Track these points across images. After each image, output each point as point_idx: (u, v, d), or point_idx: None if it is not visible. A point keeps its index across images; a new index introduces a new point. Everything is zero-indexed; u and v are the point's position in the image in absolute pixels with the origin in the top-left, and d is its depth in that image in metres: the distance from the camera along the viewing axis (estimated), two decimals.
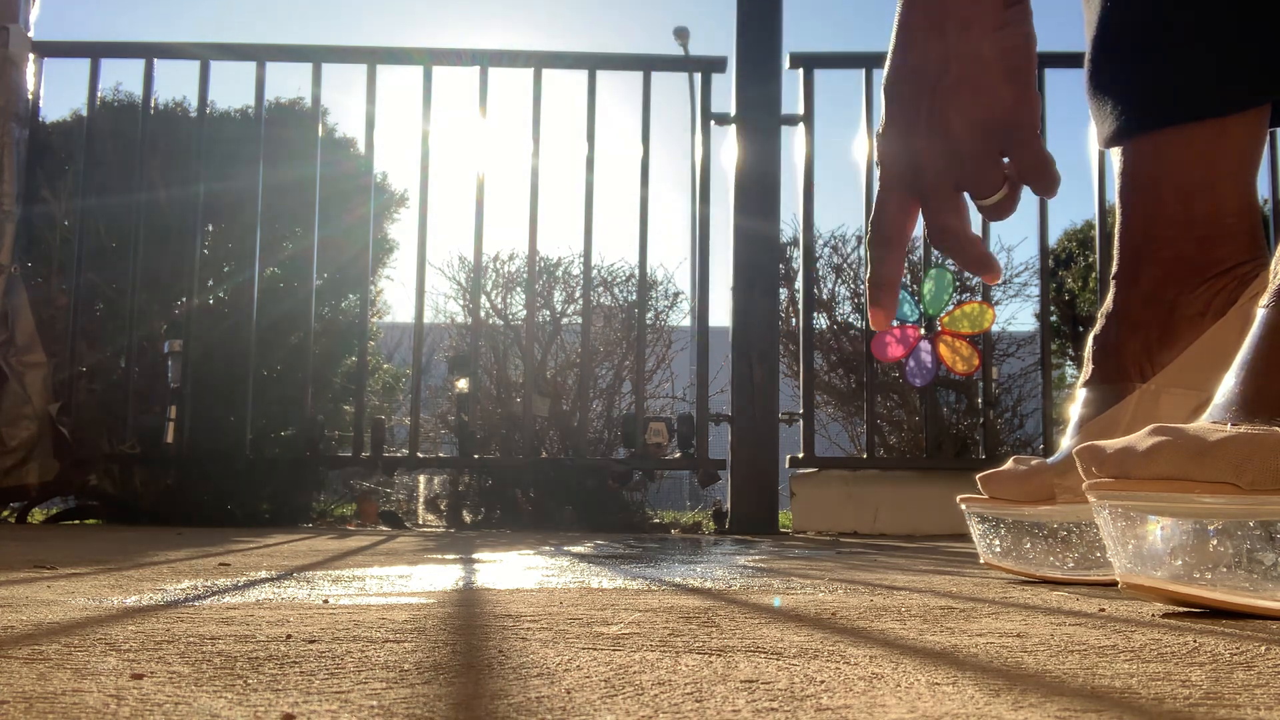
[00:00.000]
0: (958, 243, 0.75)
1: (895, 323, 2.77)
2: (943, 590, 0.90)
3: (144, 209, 2.76)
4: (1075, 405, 1.02)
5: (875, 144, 0.78)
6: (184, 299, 2.79)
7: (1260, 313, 0.72)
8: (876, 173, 0.79)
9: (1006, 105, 0.72)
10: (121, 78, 4.76)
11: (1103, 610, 0.73)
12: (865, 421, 2.84)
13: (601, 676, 0.44)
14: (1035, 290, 3.18)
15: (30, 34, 2.81)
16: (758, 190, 2.79)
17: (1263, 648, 0.54)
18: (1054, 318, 3.77)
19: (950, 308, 2.75)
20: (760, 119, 2.81)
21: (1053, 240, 4.00)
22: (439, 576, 1.03)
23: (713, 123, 2.86)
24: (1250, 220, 0.96)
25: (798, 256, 3.07)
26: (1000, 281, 3.56)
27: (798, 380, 2.91)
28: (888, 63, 0.77)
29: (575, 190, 2.82)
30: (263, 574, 1.03)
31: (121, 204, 2.79)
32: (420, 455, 2.78)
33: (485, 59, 2.85)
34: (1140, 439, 0.67)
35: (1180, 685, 0.43)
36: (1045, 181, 0.73)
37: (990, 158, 0.72)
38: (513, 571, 1.12)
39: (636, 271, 2.88)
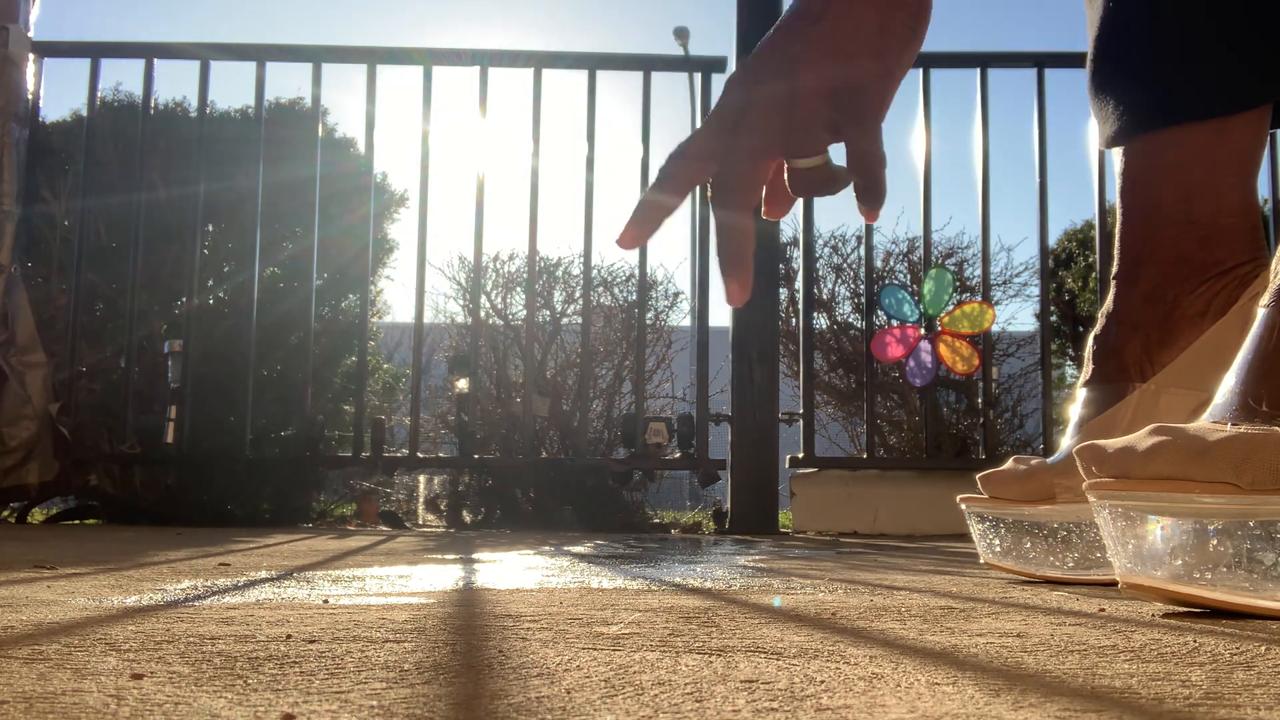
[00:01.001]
0: (740, 205, 0.68)
1: (895, 322, 2.77)
2: (943, 590, 0.90)
3: (144, 209, 2.76)
4: (1075, 405, 1.02)
5: (728, 78, 0.70)
6: (184, 299, 2.79)
7: (1260, 313, 0.72)
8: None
9: (860, 78, 0.66)
10: (121, 78, 4.76)
11: (1103, 610, 0.73)
12: (865, 421, 2.84)
13: (601, 676, 0.44)
14: (1035, 290, 3.18)
15: (30, 34, 2.81)
16: None
17: (1263, 648, 0.54)
18: (1054, 318, 3.77)
19: (950, 308, 2.75)
20: None
21: (1053, 240, 4.00)
22: (439, 576, 1.03)
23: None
24: (1250, 221, 0.96)
25: (798, 256, 3.07)
26: (1000, 282, 3.56)
27: (798, 380, 2.91)
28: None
29: (575, 190, 2.82)
30: (263, 574, 1.03)
31: (121, 204, 2.79)
32: (420, 455, 2.78)
33: (485, 59, 2.85)
34: (1140, 439, 0.67)
35: (1180, 685, 0.43)
36: (868, 175, 0.65)
37: (819, 119, 0.65)
38: (513, 571, 1.12)
39: (636, 271, 2.88)
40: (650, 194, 0.69)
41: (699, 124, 2.90)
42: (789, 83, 0.66)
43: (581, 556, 1.44)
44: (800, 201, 3.20)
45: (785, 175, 0.68)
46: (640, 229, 0.68)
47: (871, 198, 0.66)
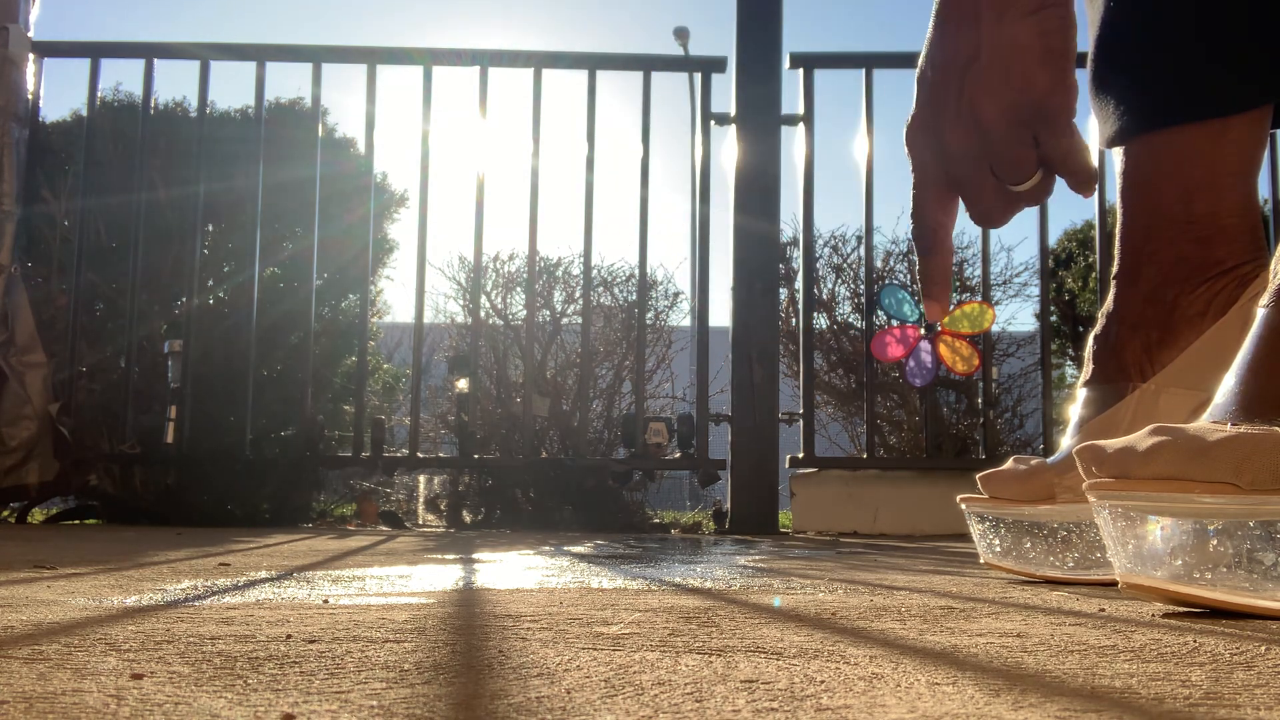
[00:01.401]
0: (998, 221, 0.75)
1: (895, 322, 2.77)
2: (943, 590, 0.90)
3: (144, 209, 2.76)
4: (1075, 405, 1.02)
5: (906, 139, 0.76)
6: (184, 299, 2.79)
7: (1260, 313, 0.72)
8: (910, 171, 0.77)
9: (1039, 90, 0.70)
10: (121, 78, 4.76)
11: (1103, 610, 0.73)
12: (865, 421, 2.84)
13: (601, 676, 0.44)
14: (1035, 290, 3.18)
15: (30, 34, 2.81)
16: (758, 190, 2.79)
17: (1263, 648, 0.54)
18: (1054, 318, 3.77)
19: (950, 308, 2.75)
20: (760, 119, 2.81)
21: (1053, 240, 4.00)
22: (439, 576, 1.03)
23: (713, 123, 2.86)
24: (1251, 220, 0.96)
25: (798, 256, 3.07)
26: (1000, 282, 3.56)
27: (798, 380, 2.91)
28: (922, 55, 0.76)
29: (575, 190, 2.82)
30: (263, 574, 1.03)
31: (121, 204, 2.78)
32: (420, 455, 2.78)
33: (485, 59, 2.85)
34: (1140, 439, 0.67)
35: (1180, 685, 0.43)
36: (1077, 170, 0.71)
37: (1021, 143, 0.71)
38: (513, 571, 1.12)
39: (636, 271, 2.88)
40: (923, 263, 0.76)
41: (699, 125, 2.87)
42: (972, 114, 0.70)
43: (581, 556, 1.44)
44: (800, 201, 3.14)
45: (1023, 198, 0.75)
46: (940, 292, 0.76)
47: (1082, 185, 0.72)
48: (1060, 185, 0.76)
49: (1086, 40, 1.02)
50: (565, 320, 3.26)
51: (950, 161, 0.72)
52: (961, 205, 0.77)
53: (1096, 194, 2.79)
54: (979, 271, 2.86)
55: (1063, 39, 0.71)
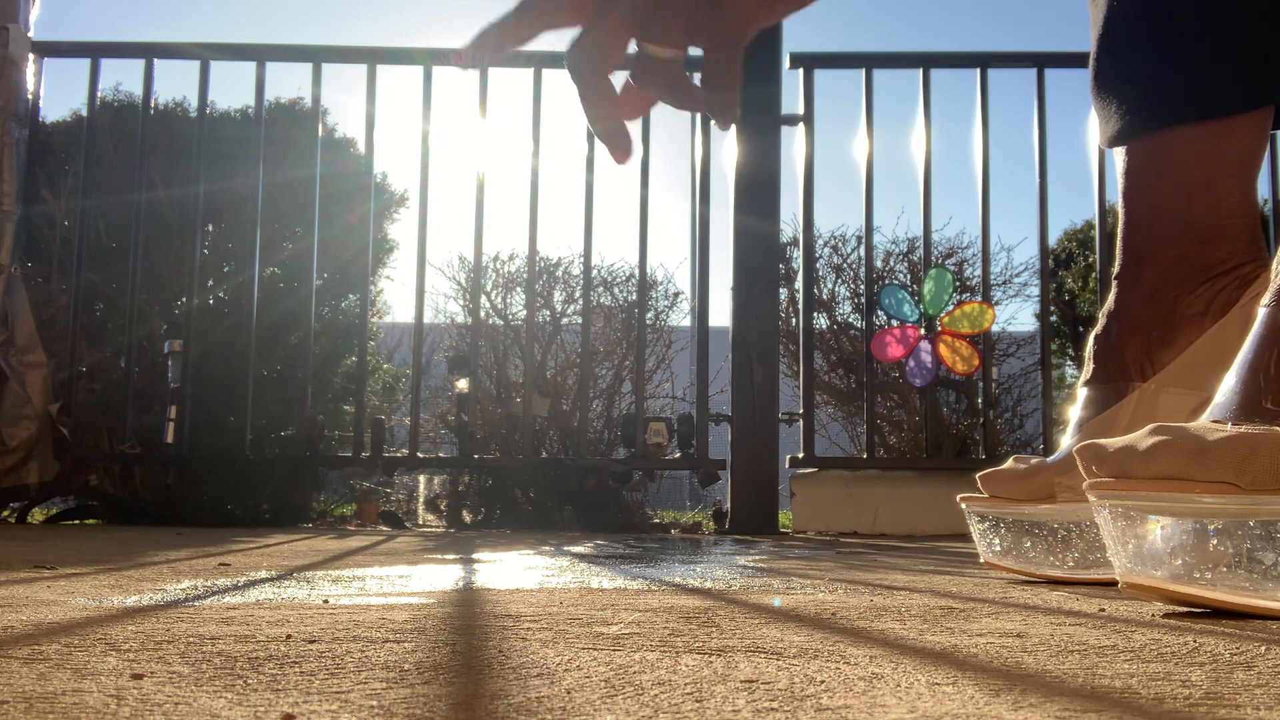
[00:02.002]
0: (585, 76, 0.61)
1: (895, 322, 2.77)
2: (943, 590, 0.90)
3: (144, 209, 2.76)
4: (1076, 404, 1.02)
5: None
6: (184, 299, 2.79)
7: (1260, 312, 0.72)
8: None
9: None
10: (121, 78, 4.76)
11: (1103, 610, 0.73)
12: (865, 421, 2.84)
13: (601, 676, 0.44)
14: (1035, 290, 3.18)
15: (30, 34, 2.81)
16: (758, 190, 2.79)
17: (1263, 648, 0.54)
18: (1054, 318, 3.77)
19: (950, 308, 2.75)
20: (760, 119, 2.81)
21: (1053, 240, 4.00)
22: (439, 576, 1.03)
23: (713, 123, 2.86)
24: (1251, 220, 0.96)
25: (798, 256, 3.07)
26: (1000, 282, 3.56)
27: (798, 380, 2.90)
28: None
29: (575, 190, 2.82)
30: (263, 574, 1.03)
31: (121, 204, 2.78)
32: (420, 455, 2.78)
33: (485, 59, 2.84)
34: (1140, 438, 0.67)
35: (1180, 685, 0.43)
36: (719, 90, 0.60)
37: (682, 11, 0.60)
38: (513, 571, 1.12)
39: (636, 271, 2.88)
40: (505, 18, 0.62)
41: (699, 125, 2.86)
42: None
43: (581, 556, 1.44)
44: (800, 201, 3.11)
45: (636, 66, 0.62)
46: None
47: (721, 110, 0.61)
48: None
49: (1089, 40, 1.02)
50: (565, 320, 3.26)
51: None
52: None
53: (1096, 194, 2.79)
54: (979, 271, 2.86)
55: None
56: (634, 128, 0.65)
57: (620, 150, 0.63)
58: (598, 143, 2.81)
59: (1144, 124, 0.96)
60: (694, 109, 0.62)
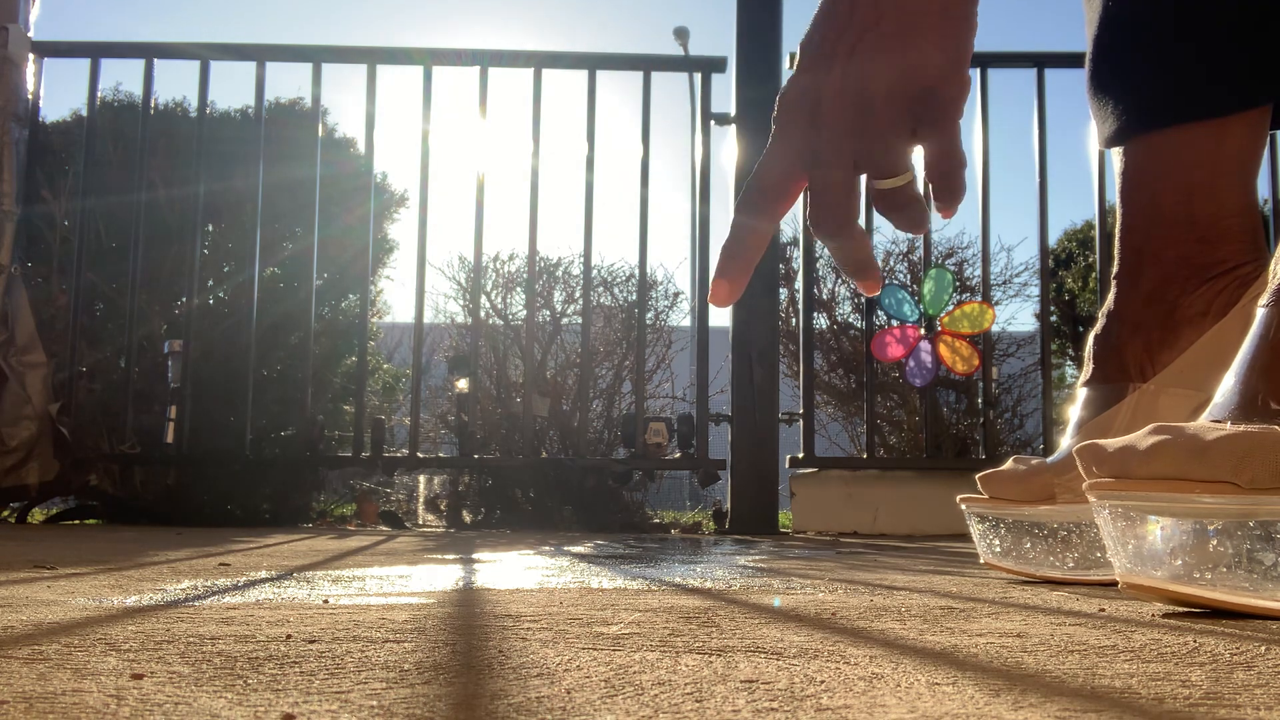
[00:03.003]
0: (841, 230, 0.63)
1: (895, 322, 2.77)
2: (943, 590, 0.90)
3: (144, 209, 2.76)
4: (1075, 405, 1.02)
5: (778, 107, 0.65)
6: (184, 299, 2.79)
7: (1260, 312, 0.72)
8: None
9: (932, 74, 0.60)
10: (121, 78, 4.76)
11: (1103, 610, 0.73)
12: (865, 421, 2.84)
13: (601, 676, 0.44)
14: (1035, 290, 3.18)
15: (30, 34, 2.81)
16: None
17: (1263, 648, 0.54)
18: (1054, 318, 3.77)
19: (950, 308, 2.75)
20: (760, 119, 2.81)
21: (1053, 240, 4.00)
22: (439, 576, 1.03)
23: (713, 123, 2.86)
24: (1251, 220, 0.96)
25: (798, 256, 3.07)
26: (1000, 282, 3.56)
27: (798, 380, 2.91)
28: (810, 22, 0.65)
29: (575, 190, 2.82)
30: (263, 574, 1.03)
31: (121, 204, 2.78)
32: (420, 455, 2.78)
33: (485, 59, 2.84)
34: (1140, 438, 0.67)
35: (1180, 685, 0.43)
36: (951, 176, 0.60)
37: (900, 131, 0.61)
38: (513, 571, 1.12)
39: (636, 271, 2.88)
40: (740, 222, 0.64)
41: (699, 125, 2.85)
42: (860, 85, 0.60)
43: (581, 556, 1.44)
44: (800, 202, 3.15)
45: (879, 202, 0.63)
46: (740, 268, 0.63)
47: (949, 198, 0.62)
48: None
49: (1084, 40, 1.02)
50: (565, 320, 3.26)
51: (819, 138, 0.62)
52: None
53: (1096, 194, 2.79)
54: (979, 271, 2.86)
55: (964, 19, 0.61)
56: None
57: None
58: (598, 142, 2.82)
59: (1141, 124, 0.96)
60: (920, 209, 0.63)
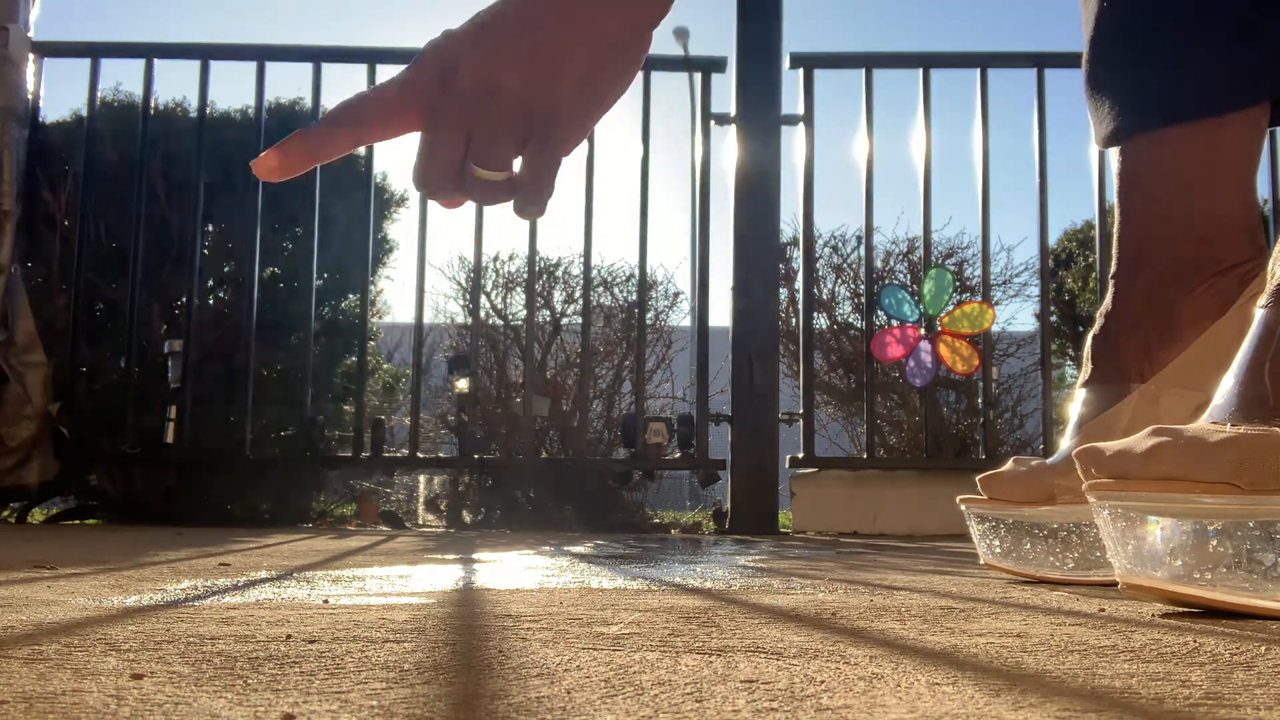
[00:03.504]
0: (447, 192, 0.62)
1: (895, 322, 2.77)
2: (943, 590, 0.90)
3: (144, 209, 2.76)
4: (1075, 405, 1.02)
5: (433, 40, 0.62)
6: (184, 299, 2.79)
7: (1259, 313, 0.72)
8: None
9: (562, 103, 0.60)
10: (121, 78, 4.76)
11: (1103, 610, 0.73)
12: (865, 421, 2.84)
13: (601, 676, 0.44)
14: (1035, 290, 3.18)
15: (30, 34, 2.81)
16: (758, 190, 2.79)
17: (1263, 648, 0.54)
18: (1054, 318, 3.77)
19: (950, 308, 2.75)
20: (760, 119, 2.81)
21: (1053, 240, 4.00)
22: (439, 576, 1.03)
23: (713, 123, 2.86)
24: (1250, 220, 0.96)
25: (798, 256, 3.07)
26: (1000, 282, 3.56)
27: (798, 380, 2.91)
28: None
29: (575, 190, 2.82)
30: (263, 574, 1.03)
31: (121, 204, 2.78)
32: (420, 455, 2.78)
33: None
34: (1140, 440, 0.67)
35: (1180, 685, 0.43)
36: (530, 198, 0.60)
37: (512, 133, 0.60)
38: (513, 571, 1.12)
39: (636, 271, 2.88)
40: (332, 115, 0.61)
41: (699, 125, 2.83)
42: (495, 74, 0.59)
43: (581, 556, 1.44)
44: (800, 201, 3.11)
45: (471, 186, 0.63)
46: (302, 156, 0.61)
47: (523, 210, 0.62)
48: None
49: (1081, 39, 1.02)
50: (565, 320, 3.26)
51: (442, 97, 0.60)
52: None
53: (1096, 194, 2.79)
54: (979, 271, 2.86)
55: (612, 81, 0.61)
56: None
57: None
58: (598, 142, 2.82)
59: (1138, 123, 0.96)
60: (503, 201, 0.63)
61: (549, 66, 0.59)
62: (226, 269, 2.98)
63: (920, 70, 2.83)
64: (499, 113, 0.59)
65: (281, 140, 0.61)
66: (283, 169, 0.60)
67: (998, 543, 1.02)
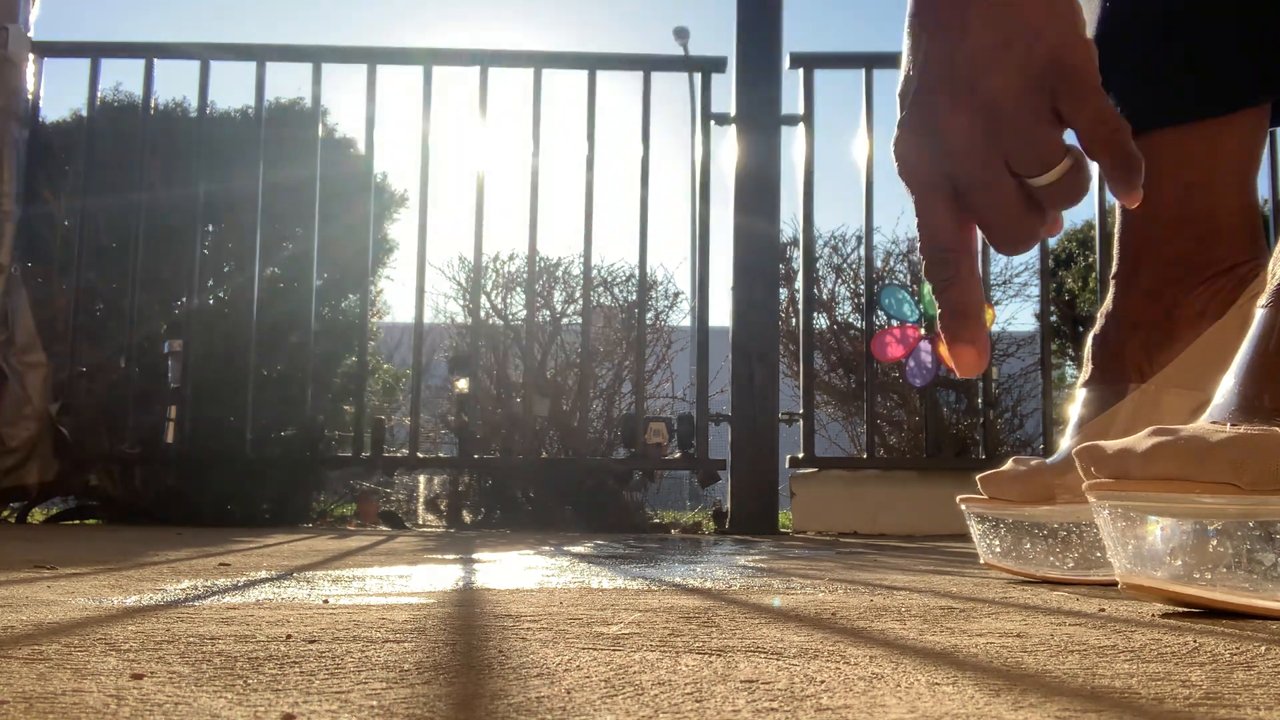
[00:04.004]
0: (1030, 243, 0.58)
1: (895, 322, 2.77)
2: (943, 590, 0.90)
3: (144, 209, 2.76)
4: (1075, 405, 1.02)
5: (895, 155, 0.59)
6: (184, 299, 2.79)
7: (1259, 312, 0.72)
8: (898, 175, 0.59)
9: (1051, 45, 0.54)
10: (121, 78, 4.76)
11: (1103, 610, 0.73)
12: (865, 421, 2.84)
13: (601, 676, 0.44)
14: (1035, 290, 3.18)
15: (30, 34, 2.81)
16: (758, 190, 2.79)
17: (1263, 648, 0.54)
18: (1054, 318, 3.77)
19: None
20: (760, 119, 2.81)
21: (1053, 240, 4.00)
22: (439, 576, 1.03)
23: (713, 123, 2.86)
24: (1250, 220, 0.96)
25: (798, 256, 3.07)
26: (1000, 282, 3.56)
27: (798, 380, 2.91)
28: (901, 71, 0.60)
29: (575, 190, 2.82)
30: (263, 574, 1.03)
31: (121, 204, 2.78)
32: (420, 455, 2.78)
33: (485, 59, 2.85)
34: (1140, 439, 0.67)
35: (1180, 685, 0.43)
36: (1113, 143, 0.53)
37: (1040, 115, 0.54)
38: (512, 571, 1.12)
39: (636, 271, 2.88)
40: (942, 293, 0.58)
41: (699, 125, 2.84)
42: (983, 110, 0.54)
43: (581, 556, 1.44)
44: (800, 201, 3.11)
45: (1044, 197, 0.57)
46: (972, 332, 0.58)
47: (1124, 173, 0.54)
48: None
49: None
50: (565, 320, 3.26)
51: (954, 164, 0.55)
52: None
53: (1096, 194, 2.79)
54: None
55: None
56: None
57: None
58: (598, 142, 2.82)
59: (1138, 124, 0.96)
60: (1087, 187, 0.57)
61: (1006, 35, 0.54)
62: (226, 269, 2.98)
63: None
64: (1011, 111, 0.54)
65: (952, 337, 0.58)
66: (980, 357, 0.58)
67: (998, 542, 1.02)
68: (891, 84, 3.03)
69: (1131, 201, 0.55)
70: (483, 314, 3.09)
